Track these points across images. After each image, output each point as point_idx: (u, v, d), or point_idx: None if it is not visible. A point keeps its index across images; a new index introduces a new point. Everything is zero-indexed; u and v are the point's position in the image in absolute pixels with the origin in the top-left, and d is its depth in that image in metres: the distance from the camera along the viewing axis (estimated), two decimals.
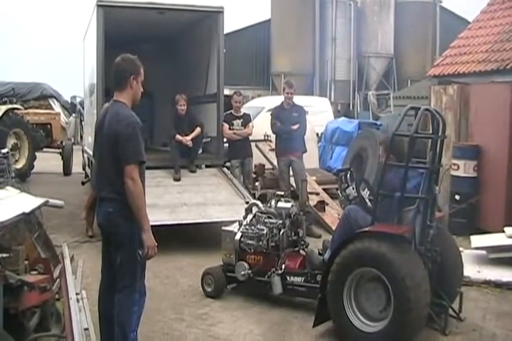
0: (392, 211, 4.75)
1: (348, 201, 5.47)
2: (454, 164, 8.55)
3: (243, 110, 9.69)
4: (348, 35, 25.90)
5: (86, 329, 4.63)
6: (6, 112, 13.14)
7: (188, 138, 8.66)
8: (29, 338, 4.07)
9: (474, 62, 10.11)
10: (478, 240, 7.04)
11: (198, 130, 8.79)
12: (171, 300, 5.72)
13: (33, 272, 4.38)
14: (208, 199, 8.04)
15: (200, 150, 9.32)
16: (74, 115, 21.87)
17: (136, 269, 3.92)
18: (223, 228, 6.05)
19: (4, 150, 8.93)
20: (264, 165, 10.21)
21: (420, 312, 4.37)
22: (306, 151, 9.12)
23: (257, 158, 9.97)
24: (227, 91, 10.04)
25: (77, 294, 5.34)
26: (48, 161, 15.77)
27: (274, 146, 9.56)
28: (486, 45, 10.24)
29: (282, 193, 6.15)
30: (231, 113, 9.33)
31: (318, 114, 14.65)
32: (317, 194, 9.42)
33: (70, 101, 23.80)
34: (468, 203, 8.32)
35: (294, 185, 8.98)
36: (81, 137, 18.67)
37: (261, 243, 5.60)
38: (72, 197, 10.29)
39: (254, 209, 5.98)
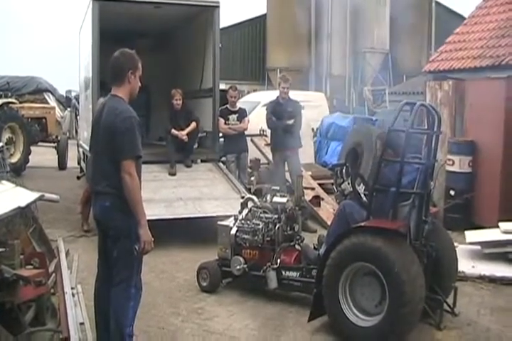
0: (387, 206, 4.76)
1: (344, 196, 5.46)
2: (449, 159, 8.57)
3: (239, 105, 9.69)
4: (343, 30, 25.84)
5: (82, 323, 4.64)
6: (0, 106, 13.09)
7: (184, 132, 8.65)
8: (24, 332, 4.05)
9: (469, 58, 10.12)
10: (472, 235, 7.07)
11: (193, 125, 8.77)
12: (166, 294, 5.73)
13: (29, 266, 4.36)
14: (204, 193, 8.04)
15: (196, 145, 9.30)
16: (69, 109, 21.77)
17: (132, 264, 3.92)
18: (219, 223, 6.05)
19: None
20: (259, 160, 10.21)
21: (415, 306, 4.39)
22: (301, 146, 9.13)
23: (253, 153, 9.96)
24: (222, 86, 10.03)
25: (72, 288, 5.35)
26: (43, 155, 15.74)
27: (269, 141, 9.57)
28: (481, 41, 10.25)
29: (277, 188, 6.15)
30: (227, 108, 9.32)
31: (314, 108, 14.62)
32: (312, 189, 9.44)
33: (65, 96, 23.71)
34: (463, 198, 8.34)
35: (289, 179, 8.99)
36: (76, 131, 18.62)
37: (256, 237, 5.61)
38: (68, 192, 10.29)
39: (250, 204, 5.99)
